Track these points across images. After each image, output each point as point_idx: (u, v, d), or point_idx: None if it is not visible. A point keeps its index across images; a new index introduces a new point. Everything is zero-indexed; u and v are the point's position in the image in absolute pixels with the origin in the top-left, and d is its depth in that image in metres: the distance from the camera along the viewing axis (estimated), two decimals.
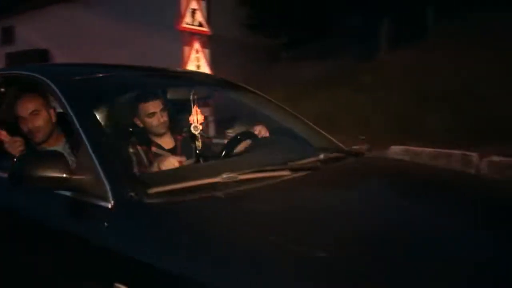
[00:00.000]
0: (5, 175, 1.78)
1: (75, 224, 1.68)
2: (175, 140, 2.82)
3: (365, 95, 7.60)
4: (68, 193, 1.74)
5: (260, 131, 2.52)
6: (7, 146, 2.33)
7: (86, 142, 1.78)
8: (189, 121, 2.39)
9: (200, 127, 2.38)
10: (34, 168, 1.68)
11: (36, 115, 2.42)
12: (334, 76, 8.55)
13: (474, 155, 5.00)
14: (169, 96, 2.49)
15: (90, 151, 1.75)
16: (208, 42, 6.33)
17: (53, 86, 2.05)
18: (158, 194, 1.64)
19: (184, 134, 2.82)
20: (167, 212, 1.58)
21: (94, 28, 10.74)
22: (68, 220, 1.71)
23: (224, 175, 1.75)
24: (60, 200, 1.75)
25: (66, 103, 1.93)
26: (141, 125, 2.77)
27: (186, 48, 6.09)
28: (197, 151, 2.46)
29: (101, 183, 1.67)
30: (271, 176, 1.84)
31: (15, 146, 2.30)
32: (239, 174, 1.78)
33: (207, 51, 6.32)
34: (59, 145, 2.47)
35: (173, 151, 2.75)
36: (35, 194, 1.85)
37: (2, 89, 2.63)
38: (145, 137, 2.76)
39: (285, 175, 1.88)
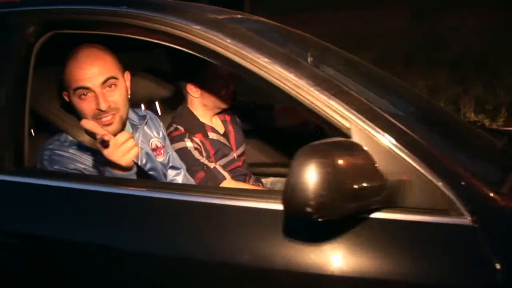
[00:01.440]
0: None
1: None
2: (223, 122, 2.00)
3: None
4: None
5: None
6: (109, 152, 1.21)
7: (367, 122, 1.03)
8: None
9: None
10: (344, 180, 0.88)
11: (113, 86, 1.38)
12: None
13: None
14: None
15: (385, 136, 1.02)
16: None
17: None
18: None
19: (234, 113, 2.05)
20: None
21: None
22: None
23: None
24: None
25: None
26: (196, 96, 1.90)
27: None
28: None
29: (428, 186, 1.00)
30: None
31: (130, 151, 1.22)
32: None
33: None
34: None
35: (225, 138, 1.96)
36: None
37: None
38: (193, 118, 1.88)
39: None
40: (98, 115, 1.36)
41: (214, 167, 1.81)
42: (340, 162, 0.91)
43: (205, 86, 1.88)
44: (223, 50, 1.16)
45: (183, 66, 1.96)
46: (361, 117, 1.05)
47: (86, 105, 1.37)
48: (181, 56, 2.01)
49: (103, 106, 1.35)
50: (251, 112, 2.16)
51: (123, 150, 1.20)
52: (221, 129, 1.99)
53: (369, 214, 0.99)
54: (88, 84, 1.35)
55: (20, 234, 1.23)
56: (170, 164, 1.66)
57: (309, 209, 0.87)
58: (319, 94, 1.08)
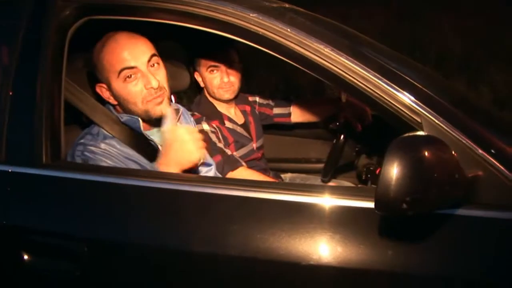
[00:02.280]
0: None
1: None
2: (242, 112, 1.97)
3: None
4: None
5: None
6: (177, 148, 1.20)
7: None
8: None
9: None
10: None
11: (156, 65, 1.33)
12: None
13: None
14: None
15: (457, 132, 1.00)
16: None
17: None
18: None
19: (254, 104, 2.01)
20: None
21: None
22: None
23: None
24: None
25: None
26: (203, 85, 1.94)
27: None
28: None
29: (503, 183, 0.99)
30: None
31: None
32: None
33: None
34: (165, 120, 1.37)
35: (244, 128, 1.92)
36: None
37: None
38: (210, 106, 1.85)
39: None
40: (149, 95, 1.30)
41: (231, 154, 1.79)
42: (429, 156, 0.89)
43: (204, 75, 1.87)
44: (283, 39, 1.12)
45: (193, 55, 1.91)
46: (432, 111, 1.02)
47: (134, 87, 1.29)
48: (193, 44, 1.95)
49: (155, 83, 1.28)
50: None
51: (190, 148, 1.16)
52: (241, 120, 1.96)
53: (449, 210, 0.97)
54: (134, 63, 1.28)
55: (61, 232, 1.16)
56: (201, 161, 1.59)
57: (404, 205, 0.84)
58: (388, 87, 1.05)
